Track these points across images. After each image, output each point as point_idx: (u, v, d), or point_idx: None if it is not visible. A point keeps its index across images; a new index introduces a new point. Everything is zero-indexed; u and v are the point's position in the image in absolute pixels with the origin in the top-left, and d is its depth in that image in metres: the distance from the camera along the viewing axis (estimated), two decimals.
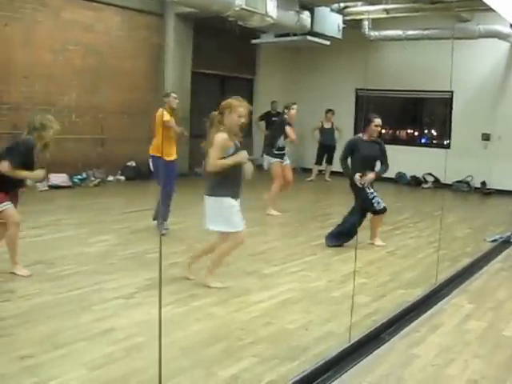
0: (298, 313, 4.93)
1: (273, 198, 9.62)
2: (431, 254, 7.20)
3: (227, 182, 5.36)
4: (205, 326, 4.55)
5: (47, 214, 8.73)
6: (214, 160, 5.26)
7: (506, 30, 12.88)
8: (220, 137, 5.26)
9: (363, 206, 7.41)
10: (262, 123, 15.09)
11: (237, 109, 5.31)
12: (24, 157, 5.63)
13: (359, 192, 7.32)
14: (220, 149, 5.25)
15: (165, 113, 7.76)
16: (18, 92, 11.03)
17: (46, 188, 10.98)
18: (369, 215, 7.61)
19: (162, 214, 7.88)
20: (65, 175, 11.41)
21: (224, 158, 5.29)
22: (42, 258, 6.22)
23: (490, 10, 7.97)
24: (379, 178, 7.48)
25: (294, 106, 9.64)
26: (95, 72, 12.29)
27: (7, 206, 5.52)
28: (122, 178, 12.77)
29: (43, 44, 11.39)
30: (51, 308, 4.79)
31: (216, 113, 5.38)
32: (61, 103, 11.78)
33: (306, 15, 11.81)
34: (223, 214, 5.37)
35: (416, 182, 14.70)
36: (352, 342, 4.19)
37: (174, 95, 8.03)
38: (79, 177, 11.75)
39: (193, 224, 8.49)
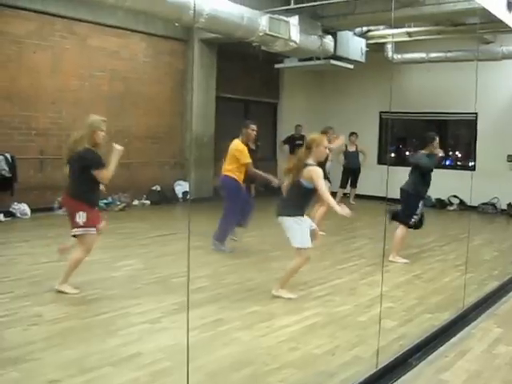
0: (324, 337, 4.91)
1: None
2: (458, 278, 7.14)
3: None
4: (231, 351, 4.54)
5: (73, 238, 8.81)
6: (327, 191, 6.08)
7: None
8: (318, 170, 5.90)
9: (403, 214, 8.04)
10: (286, 147, 15.11)
11: (322, 142, 6.05)
12: None
13: (413, 201, 8.02)
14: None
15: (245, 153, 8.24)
16: (45, 118, 11.22)
17: None
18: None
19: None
20: None
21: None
22: (68, 282, 6.26)
23: None
24: None
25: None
26: (121, 97, 12.46)
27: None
28: (147, 202, 12.86)
29: (70, 70, 11.58)
30: (78, 332, 4.83)
31: (303, 149, 6.01)
32: None
33: (328, 39, 11.88)
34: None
35: (441, 205, 14.60)
36: (379, 367, 4.16)
37: (253, 126, 8.36)
38: (105, 201, 11.82)
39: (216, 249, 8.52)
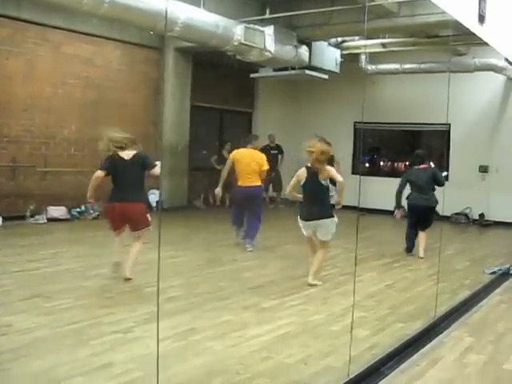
0: (296, 347, 4.90)
1: None
2: (430, 287, 7.18)
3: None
4: (203, 361, 4.51)
5: (45, 247, 8.73)
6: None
7: (501, 63, 13.01)
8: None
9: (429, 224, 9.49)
10: None
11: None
12: None
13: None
14: None
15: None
16: (17, 125, 11.11)
17: (45, 221, 10.98)
18: None
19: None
20: (63, 208, 11.42)
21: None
22: (39, 291, 6.20)
23: (485, 44, 8.08)
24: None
25: None
26: (95, 105, 12.37)
27: None
28: None
29: (43, 77, 11.50)
30: (49, 342, 4.76)
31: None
32: (60, 136, 11.86)
33: (304, 49, 11.94)
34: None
35: None
36: (351, 376, 4.16)
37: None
38: (78, 210, 11.73)
39: (190, 257, 8.50)
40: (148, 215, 6.98)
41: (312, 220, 7.09)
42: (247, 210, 9.28)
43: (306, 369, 4.43)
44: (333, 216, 7.18)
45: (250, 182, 9.13)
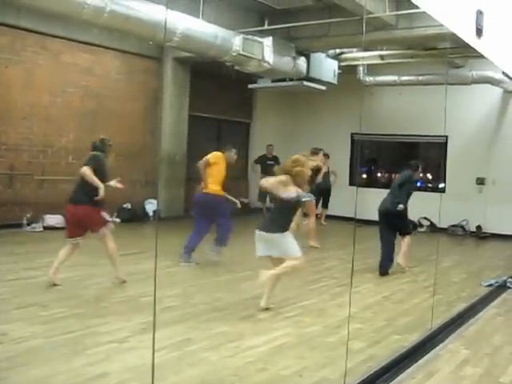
0: (292, 358, 4.89)
1: (314, 230, 10.28)
2: (427, 299, 7.17)
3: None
4: (199, 371, 4.50)
5: (42, 256, 8.69)
6: None
7: (498, 75, 13.05)
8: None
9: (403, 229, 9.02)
10: (258, 166, 15.15)
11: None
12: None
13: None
14: None
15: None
16: (16, 133, 11.11)
17: (41, 229, 10.97)
18: None
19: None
20: (60, 216, 11.36)
21: None
22: (35, 300, 6.19)
23: (482, 56, 8.11)
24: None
25: None
26: (93, 114, 12.38)
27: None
28: (118, 220, 12.74)
29: (42, 86, 11.51)
30: (44, 351, 4.75)
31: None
32: (58, 145, 11.86)
33: (302, 61, 11.98)
34: None
35: (411, 227, 14.67)
36: None
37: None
38: None
39: (186, 267, 8.48)
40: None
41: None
42: (210, 218, 8.97)
43: (301, 381, 4.42)
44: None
45: (211, 190, 8.82)
